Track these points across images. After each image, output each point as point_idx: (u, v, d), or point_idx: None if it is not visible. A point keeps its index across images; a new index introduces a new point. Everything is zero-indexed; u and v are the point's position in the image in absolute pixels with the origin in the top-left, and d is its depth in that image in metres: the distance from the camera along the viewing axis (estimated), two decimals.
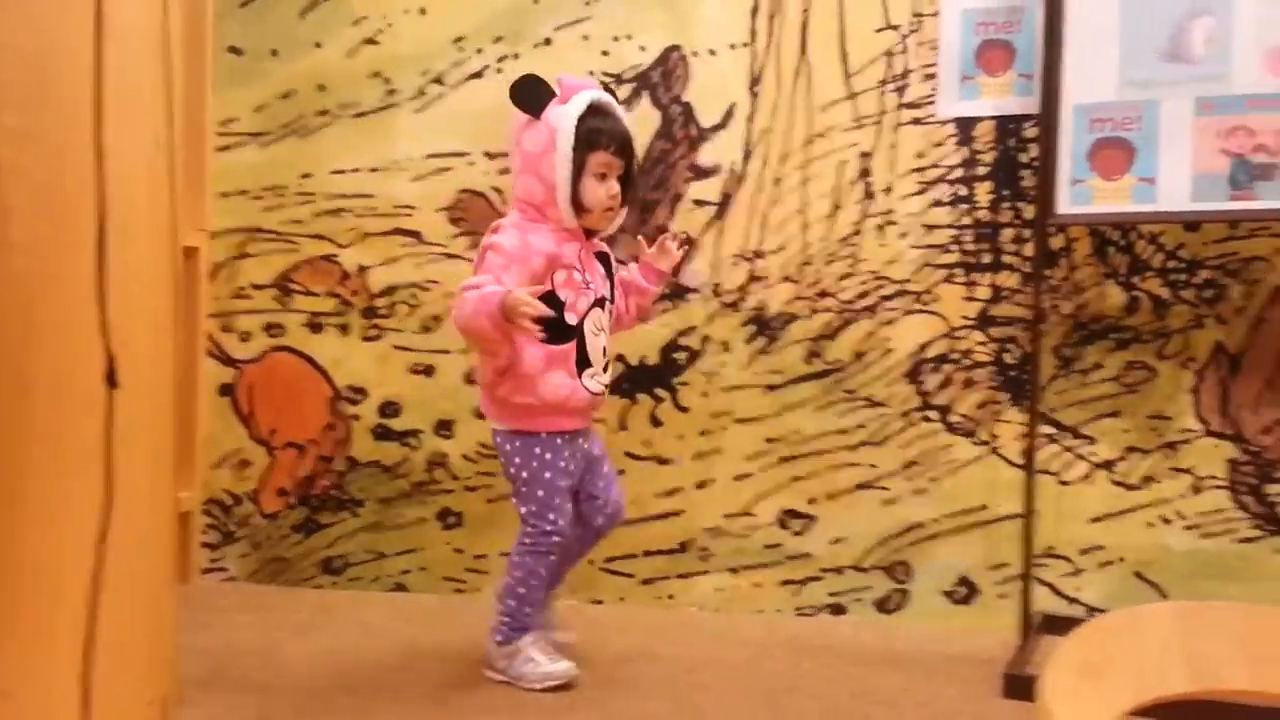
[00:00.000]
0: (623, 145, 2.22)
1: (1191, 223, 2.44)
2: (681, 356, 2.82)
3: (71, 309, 1.75)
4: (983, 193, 2.62)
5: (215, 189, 3.04)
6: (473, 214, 2.93)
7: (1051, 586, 2.60)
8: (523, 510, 2.25)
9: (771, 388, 2.77)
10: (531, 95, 2.19)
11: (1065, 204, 2.32)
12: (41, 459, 1.72)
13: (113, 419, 1.78)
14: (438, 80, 2.93)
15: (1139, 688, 1.09)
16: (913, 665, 2.39)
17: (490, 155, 2.90)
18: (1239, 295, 2.47)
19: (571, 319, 2.20)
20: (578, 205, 2.20)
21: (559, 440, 2.23)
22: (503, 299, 2.03)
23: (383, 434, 3.00)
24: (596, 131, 2.19)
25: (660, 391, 2.83)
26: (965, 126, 2.63)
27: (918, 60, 2.65)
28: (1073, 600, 2.59)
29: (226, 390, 3.07)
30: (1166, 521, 2.54)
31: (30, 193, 1.71)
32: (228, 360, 3.06)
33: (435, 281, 2.95)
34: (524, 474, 2.23)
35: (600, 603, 2.88)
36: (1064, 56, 2.31)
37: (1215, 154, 2.21)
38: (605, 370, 2.29)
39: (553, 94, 2.19)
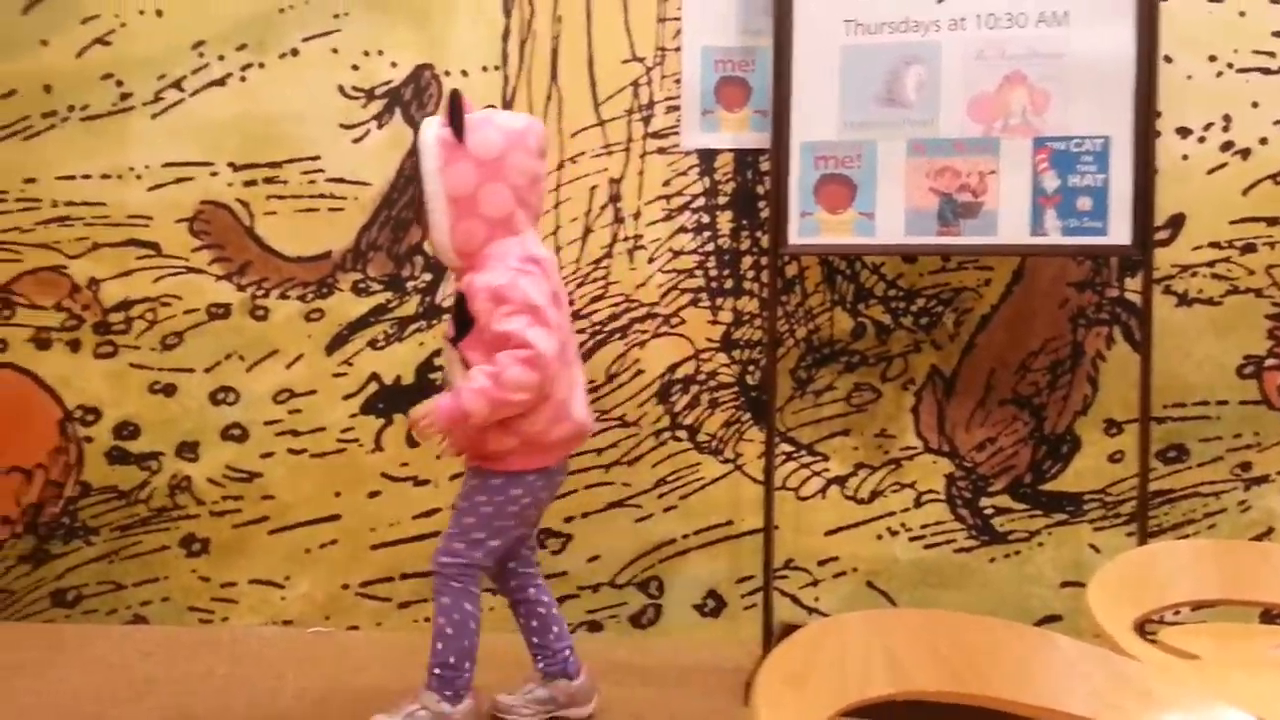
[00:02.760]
0: None
1: (908, 255, 2.64)
2: (437, 376, 2.81)
3: None
4: (724, 221, 2.75)
5: None
6: (217, 226, 2.82)
7: (792, 597, 2.75)
8: None
9: None
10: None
11: (795, 235, 2.47)
12: None
13: None
14: (176, 85, 2.81)
15: (842, 691, 1.18)
16: (663, 678, 2.48)
17: (234, 166, 2.80)
18: (951, 323, 2.70)
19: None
20: None
21: None
22: None
23: (119, 457, 2.84)
24: None
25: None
26: (707, 158, 2.75)
27: (662, 92, 2.75)
28: (812, 610, 2.75)
29: None
30: (894, 533, 2.73)
31: None
32: None
33: (176, 296, 2.82)
34: None
35: (356, 628, 2.83)
36: (792, 96, 2.45)
37: (926, 192, 2.41)
38: None
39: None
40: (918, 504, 2.72)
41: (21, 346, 2.83)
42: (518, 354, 1.97)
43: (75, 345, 2.83)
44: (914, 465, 2.72)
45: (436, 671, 2.11)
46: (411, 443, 2.79)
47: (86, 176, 2.82)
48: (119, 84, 2.81)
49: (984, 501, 2.70)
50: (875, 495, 2.73)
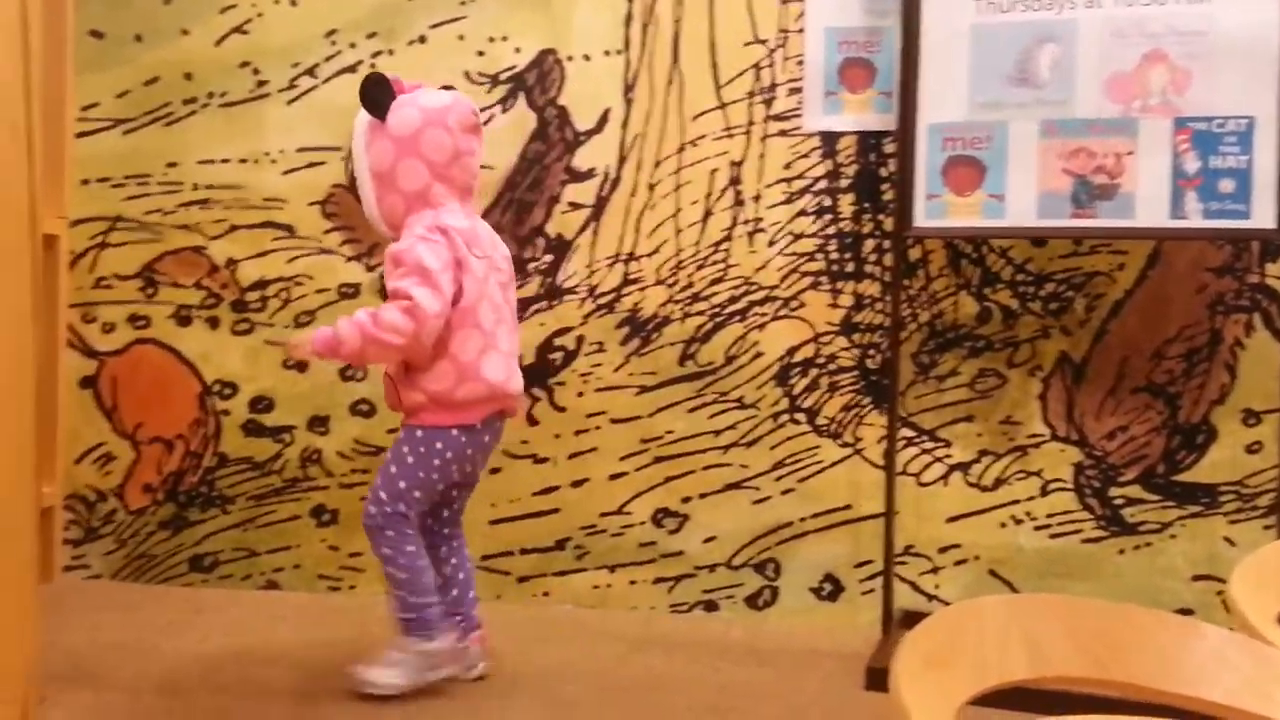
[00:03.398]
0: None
1: (1038, 238, 2.59)
2: (557, 356, 2.85)
3: None
4: (846, 204, 2.73)
5: (75, 176, 2.95)
6: (346, 209, 2.91)
7: (912, 583, 2.73)
8: None
9: (645, 389, 2.83)
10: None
11: (921, 217, 2.44)
12: None
13: None
14: (310, 73, 2.90)
15: (981, 674, 1.17)
16: (780, 660, 2.48)
17: None
18: (1082, 308, 2.63)
19: None
20: None
21: None
22: None
23: (254, 430, 2.95)
24: None
25: (537, 391, 2.86)
26: (829, 140, 2.73)
27: (784, 74, 2.74)
28: (932, 596, 2.72)
29: (88, 383, 2.98)
30: (1018, 521, 2.68)
31: None
32: (89, 352, 2.97)
33: (309, 276, 2.92)
34: None
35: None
36: (920, 77, 2.42)
37: (1059, 174, 2.35)
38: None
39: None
40: (1044, 492, 2.67)
41: (164, 323, 2.96)
42: (399, 303, 2.12)
43: (214, 323, 2.95)
44: (1040, 453, 2.66)
45: (404, 617, 2.22)
46: (532, 421, 2.85)
47: (225, 161, 2.94)
48: (255, 72, 2.91)
49: (1113, 491, 2.63)
50: (999, 483, 2.68)
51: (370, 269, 2.90)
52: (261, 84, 2.91)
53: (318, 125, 2.90)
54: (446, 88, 2.45)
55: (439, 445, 2.21)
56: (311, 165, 2.91)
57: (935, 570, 2.72)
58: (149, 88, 2.94)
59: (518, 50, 2.84)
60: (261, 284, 2.94)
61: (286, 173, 2.92)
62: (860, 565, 2.75)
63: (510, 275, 2.36)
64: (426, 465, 2.22)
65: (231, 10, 2.91)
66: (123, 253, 2.96)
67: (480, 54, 2.84)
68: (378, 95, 2.21)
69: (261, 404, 2.95)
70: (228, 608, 2.77)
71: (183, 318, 2.96)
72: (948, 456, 2.71)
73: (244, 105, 2.92)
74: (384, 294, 2.32)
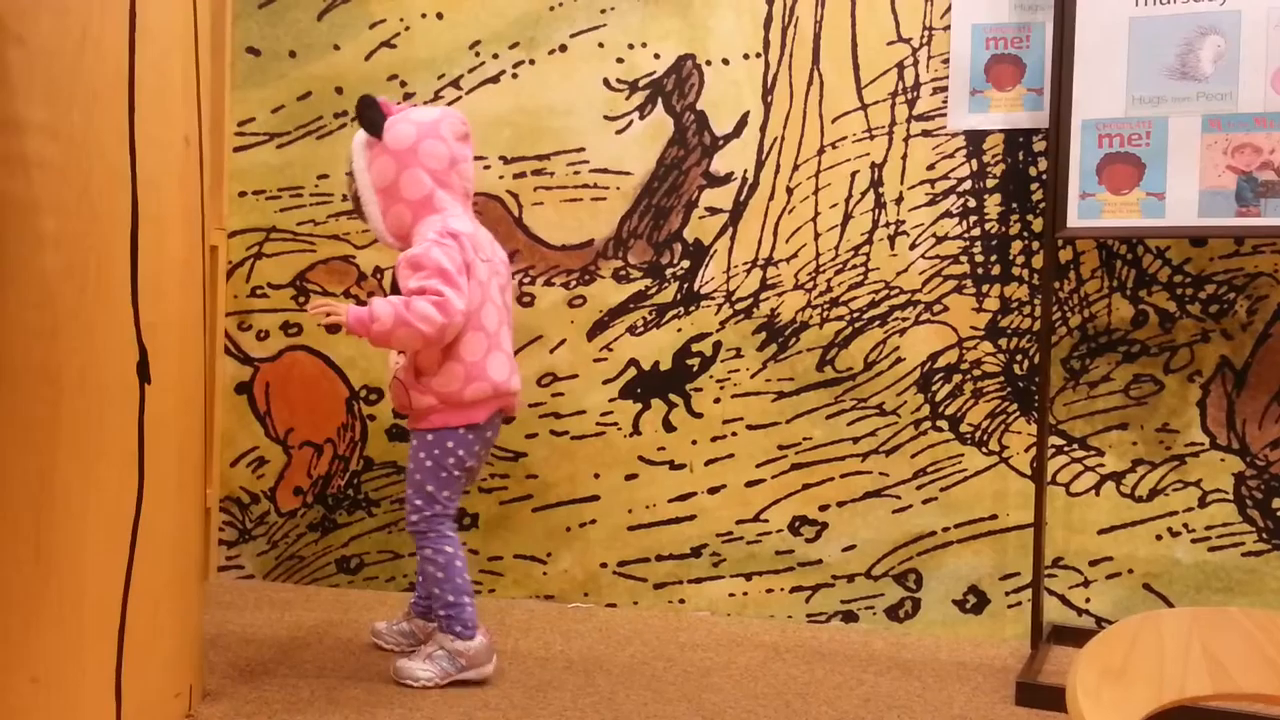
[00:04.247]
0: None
1: (1198, 238, 2.48)
2: (694, 362, 2.85)
3: (104, 304, 1.78)
4: (992, 205, 2.66)
5: (232, 189, 3.08)
6: (488, 217, 2.96)
7: (1061, 597, 2.64)
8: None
9: (783, 395, 2.80)
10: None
11: (1074, 217, 2.36)
12: (72, 452, 1.75)
13: (144, 414, 1.81)
14: (454, 84, 2.97)
15: (1160, 691, 1.12)
16: (925, 672, 2.43)
17: (505, 159, 2.93)
18: (1244, 311, 2.51)
19: None
20: None
21: None
22: None
23: (398, 434, 3.03)
24: None
25: (673, 397, 2.86)
26: (975, 139, 2.67)
27: (929, 73, 2.69)
28: (1082, 611, 2.62)
29: (243, 388, 3.10)
30: (1175, 534, 2.57)
31: (61, 188, 1.74)
32: (244, 358, 3.09)
33: None
34: None
35: (614, 606, 2.91)
36: (1074, 72, 2.35)
37: (1222, 170, 2.25)
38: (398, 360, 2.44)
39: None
40: (1202, 504, 2.55)
41: (315, 330, 3.06)
42: (430, 297, 2.20)
43: None
44: (1199, 462, 2.55)
45: (443, 613, 2.31)
46: (669, 427, 2.85)
47: None
48: (403, 84, 2.99)
49: (1277, 502, 2.50)
50: (1155, 493, 2.58)
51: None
52: (408, 96, 2.99)
53: None
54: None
55: (450, 444, 2.31)
56: None
57: (1086, 583, 2.62)
58: (302, 102, 3.05)
59: (656, 56, 2.85)
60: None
61: None
62: (1006, 577, 2.67)
63: (508, 278, 2.47)
64: (445, 465, 2.32)
65: (381, 25, 3.00)
66: (277, 262, 3.07)
67: (619, 61, 2.87)
68: (373, 116, 2.32)
69: None
70: (374, 607, 2.84)
71: (333, 325, 3.05)
72: (1100, 466, 2.61)
73: None
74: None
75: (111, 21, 1.76)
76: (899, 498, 2.74)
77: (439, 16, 2.97)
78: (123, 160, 1.78)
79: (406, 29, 2.99)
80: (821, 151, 2.77)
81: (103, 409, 1.77)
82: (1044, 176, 2.59)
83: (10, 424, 1.71)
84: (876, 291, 2.74)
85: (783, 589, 2.81)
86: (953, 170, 2.68)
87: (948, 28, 2.67)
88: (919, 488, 2.72)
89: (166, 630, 1.88)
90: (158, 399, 1.83)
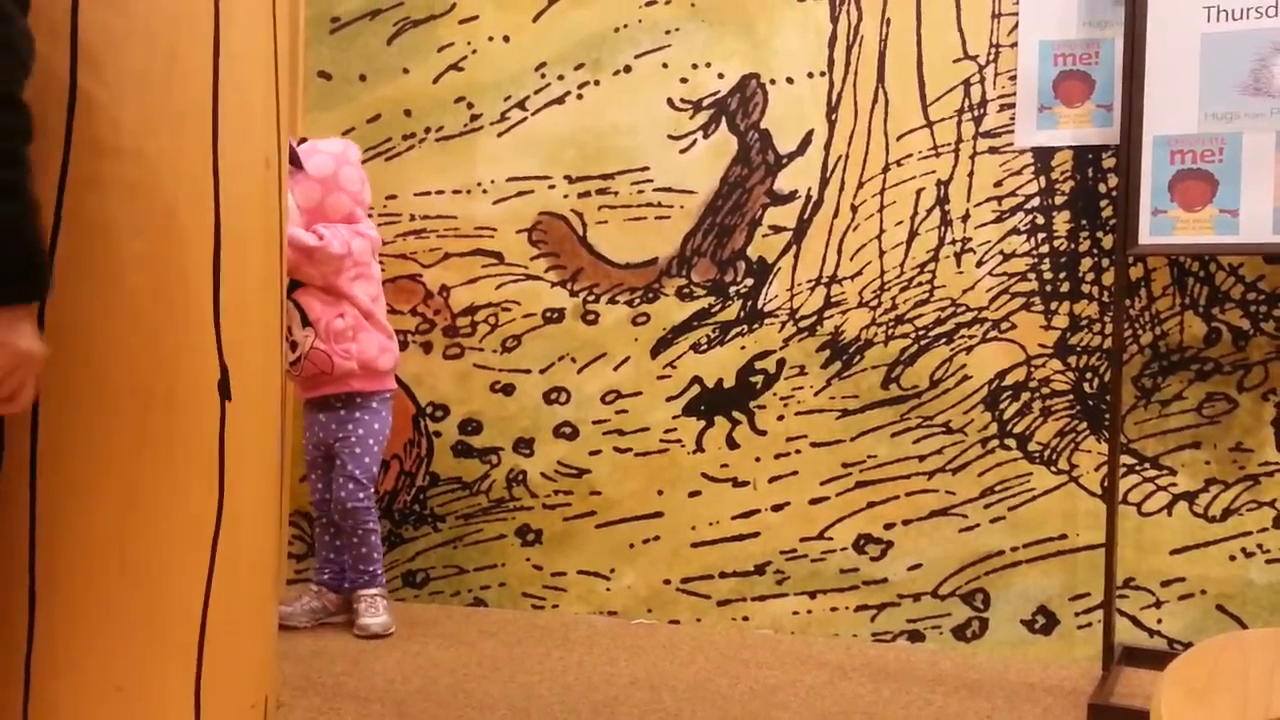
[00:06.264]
0: None
1: (1273, 255, 2.44)
2: (758, 380, 2.86)
3: (188, 323, 1.83)
4: (1060, 222, 2.64)
5: None
6: (553, 236, 3.00)
7: (1132, 618, 2.60)
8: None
9: (847, 412, 2.80)
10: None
11: (1146, 234, 2.34)
12: (156, 466, 1.80)
13: (225, 429, 1.86)
14: (520, 105, 3.01)
15: (1245, 711, 1.11)
16: (994, 693, 2.40)
17: (570, 179, 2.97)
18: None
19: None
20: None
21: None
22: None
23: (463, 451, 3.06)
24: None
25: (737, 414, 2.87)
26: (1043, 156, 2.65)
27: (995, 90, 2.68)
28: (1154, 632, 2.58)
29: None
30: (1249, 555, 2.52)
31: (146, 210, 1.79)
32: None
33: (516, 302, 3.02)
34: None
35: (677, 623, 2.92)
36: (1145, 88, 2.33)
37: None
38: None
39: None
40: (1277, 524, 2.50)
41: None
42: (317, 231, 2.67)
43: (428, 347, 3.09)
44: (1274, 482, 2.50)
45: (376, 571, 2.78)
46: (732, 445, 2.86)
47: (440, 192, 3.07)
48: (469, 106, 3.04)
49: None
50: (1228, 513, 2.53)
51: (574, 294, 2.98)
52: (475, 117, 3.04)
53: (526, 155, 3.00)
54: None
55: (384, 412, 2.87)
56: (520, 194, 3.01)
57: (1158, 604, 2.58)
58: (372, 125, 3.11)
59: (720, 76, 2.87)
60: (471, 309, 3.06)
61: (496, 202, 3.03)
62: (1076, 598, 2.64)
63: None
64: (388, 429, 2.88)
65: (449, 48, 3.05)
66: None
67: (683, 81, 2.89)
68: (290, 151, 2.59)
69: (470, 426, 3.06)
70: (440, 621, 2.87)
71: (400, 343, 3.10)
72: (1172, 485, 2.57)
73: (458, 139, 3.06)
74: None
75: (198, 45, 1.81)
76: (966, 516, 2.71)
77: (505, 39, 3.01)
78: (206, 182, 1.83)
79: (474, 52, 3.04)
80: (886, 169, 2.76)
81: (185, 426, 1.81)
82: (1114, 193, 2.57)
83: (98, 440, 1.76)
84: (943, 309, 2.73)
85: (847, 607, 2.80)
86: (1020, 187, 2.67)
87: (1015, 45, 2.66)
88: (986, 506, 2.70)
89: (244, 642, 1.92)
90: (238, 416, 1.88)
